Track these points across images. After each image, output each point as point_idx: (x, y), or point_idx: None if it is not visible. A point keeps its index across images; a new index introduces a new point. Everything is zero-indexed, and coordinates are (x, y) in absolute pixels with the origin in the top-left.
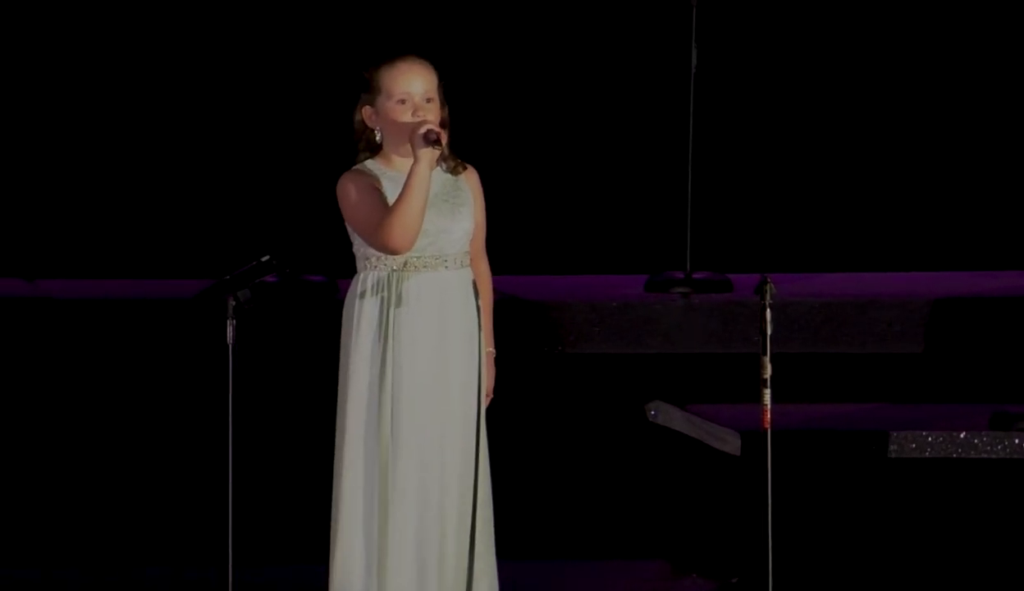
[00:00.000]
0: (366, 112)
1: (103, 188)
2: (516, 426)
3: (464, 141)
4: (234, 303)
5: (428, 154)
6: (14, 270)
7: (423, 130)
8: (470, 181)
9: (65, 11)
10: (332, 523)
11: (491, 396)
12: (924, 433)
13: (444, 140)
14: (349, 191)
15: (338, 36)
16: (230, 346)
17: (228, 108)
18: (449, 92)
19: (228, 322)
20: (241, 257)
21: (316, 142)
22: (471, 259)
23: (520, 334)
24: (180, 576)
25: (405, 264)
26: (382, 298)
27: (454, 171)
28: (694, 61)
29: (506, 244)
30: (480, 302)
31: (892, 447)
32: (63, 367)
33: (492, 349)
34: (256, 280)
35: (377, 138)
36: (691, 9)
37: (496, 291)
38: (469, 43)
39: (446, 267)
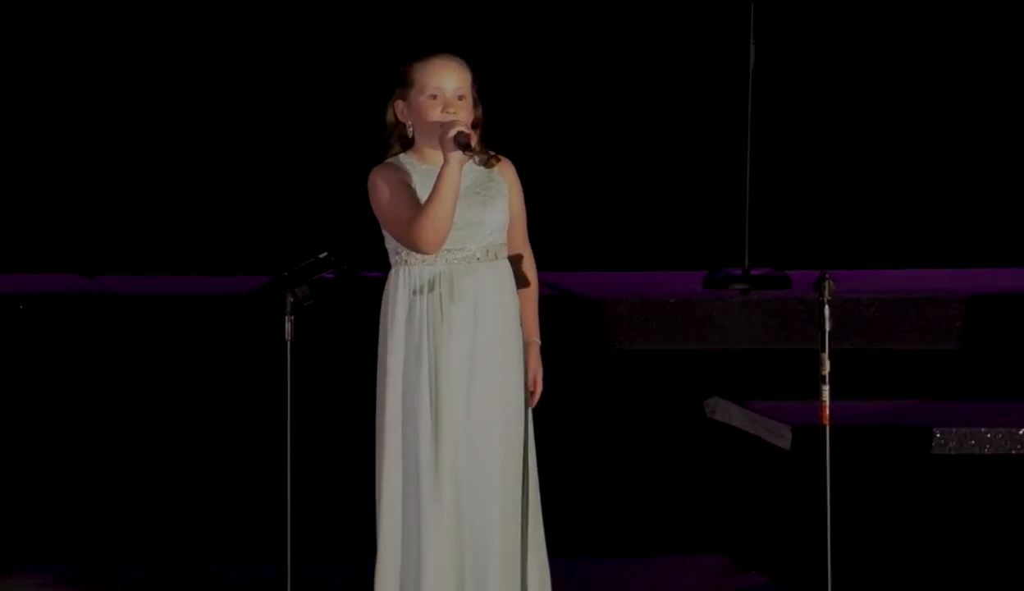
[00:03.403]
0: (398, 106)
1: (163, 185)
2: (575, 423)
3: (524, 137)
4: (292, 299)
5: (458, 156)
6: (74, 266)
7: (452, 132)
8: (505, 173)
9: (129, 10)
10: (377, 520)
11: (539, 387)
12: (983, 429)
13: (473, 142)
14: (379, 187)
15: (394, 31)
16: (288, 342)
17: (287, 105)
18: (512, 89)
19: (286, 318)
20: (299, 254)
21: (373, 138)
22: (513, 250)
23: (578, 330)
24: (240, 572)
25: (436, 259)
26: (416, 294)
27: (487, 164)
28: (752, 57)
29: (565, 240)
30: (519, 296)
31: (951, 443)
32: (123, 363)
33: (537, 340)
34: (314, 277)
35: (409, 133)
36: (749, 5)
37: (554, 287)
38: (530, 39)
39: (478, 260)
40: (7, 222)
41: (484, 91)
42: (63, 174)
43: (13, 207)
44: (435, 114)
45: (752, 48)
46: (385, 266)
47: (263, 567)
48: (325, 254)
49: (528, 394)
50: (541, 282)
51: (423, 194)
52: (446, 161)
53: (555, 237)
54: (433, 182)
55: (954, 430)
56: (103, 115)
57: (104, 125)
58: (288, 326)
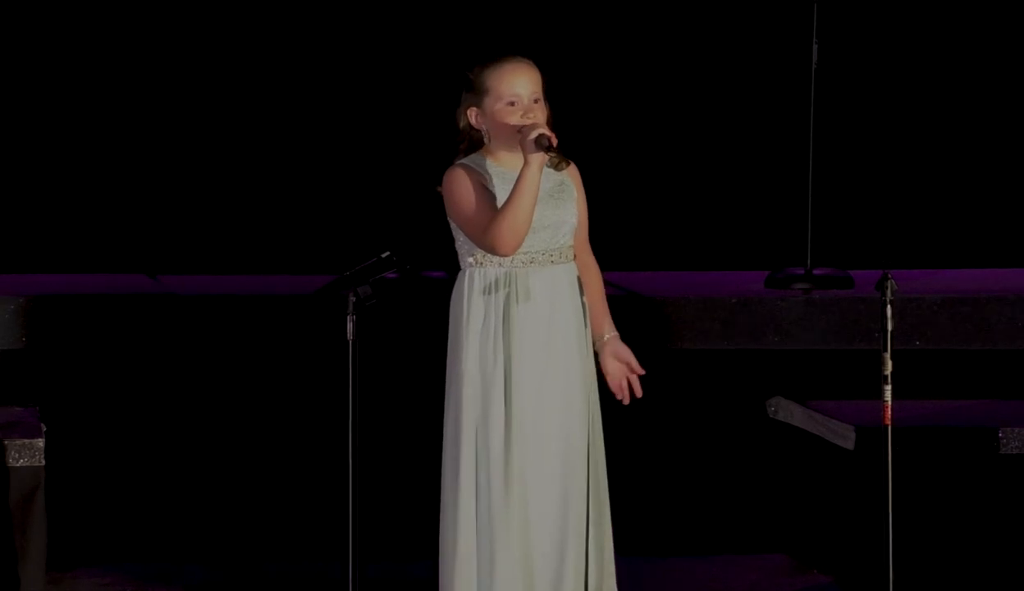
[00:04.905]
0: (472, 113)
1: (225, 185)
2: (636, 422)
3: (586, 137)
4: (354, 299)
5: (539, 158)
6: (138, 266)
7: (534, 135)
8: (572, 176)
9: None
10: (441, 521)
11: (641, 371)
12: None
13: (555, 143)
14: (457, 188)
15: (453, 31)
16: (350, 342)
17: (347, 104)
18: (574, 89)
19: (348, 318)
20: (362, 253)
21: (435, 137)
22: (577, 253)
23: (640, 330)
24: (301, 571)
25: (512, 260)
26: (491, 295)
27: (558, 167)
28: (815, 57)
29: (628, 240)
30: (586, 297)
31: (1014, 443)
32: (186, 363)
33: (615, 333)
34: (376, 276)
35: (485, 139)
36: (812, 5)
37: (616, 287)
38: (591, 38)
39: (553, 262)
40: (73, 223)
41: (547, 91)
42: (127, 175)
43: (77, 207)
44: (514, 119)
45: (815, 47)
46: (447, 266)
47: (325, 566)
48: (387, 254)
49: (597, 394)
50: (604, 282)
51: (501, 197)
52: (527, 163)
53: (618, 237)
54: (509, 185)
55: (1018, 430)
56: (165, 116)
57: (167, 126)
58: (350, 326)
